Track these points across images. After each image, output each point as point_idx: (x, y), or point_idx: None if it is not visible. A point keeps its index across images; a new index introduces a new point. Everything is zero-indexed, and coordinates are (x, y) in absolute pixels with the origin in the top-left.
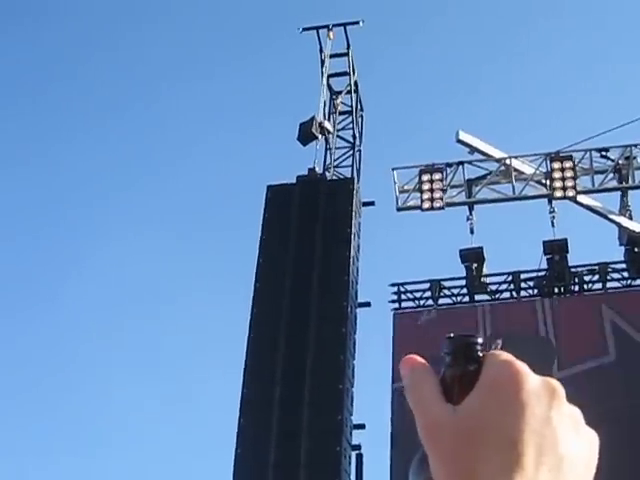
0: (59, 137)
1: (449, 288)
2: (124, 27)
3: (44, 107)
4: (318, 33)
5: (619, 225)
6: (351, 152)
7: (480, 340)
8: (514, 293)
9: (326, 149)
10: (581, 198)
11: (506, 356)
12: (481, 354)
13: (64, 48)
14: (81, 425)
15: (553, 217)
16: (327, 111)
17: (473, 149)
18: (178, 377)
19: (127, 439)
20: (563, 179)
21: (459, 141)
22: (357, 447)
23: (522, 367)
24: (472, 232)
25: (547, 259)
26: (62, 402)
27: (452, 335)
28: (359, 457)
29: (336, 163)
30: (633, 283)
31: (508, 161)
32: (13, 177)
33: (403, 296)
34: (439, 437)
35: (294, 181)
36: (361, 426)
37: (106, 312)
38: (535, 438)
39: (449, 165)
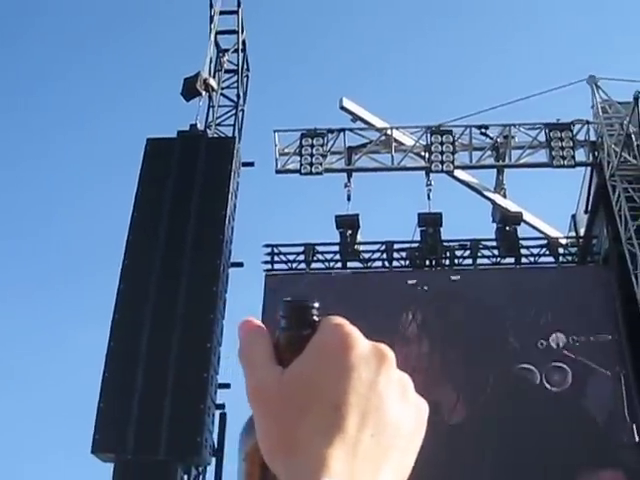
0: None
1: (322, 253)
2: None
3: None
4: None
5: (493, 202)
6: (234, 111)
7: (316, 305)
8: (386, 262)
9: (209, 106)
10: (458, 173)
11: (339, 320)
12: (317, 319)
13: None
14: None
15: (430, 190)
16: (213, 68)
17: (356, 117)
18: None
19: None
20: (442, 153)
21: (342, 108)
22: (221, 406)
23: (353, 331)
24: (349, 199)
25: (421, 231)
26: None
27: (288, 299)
28: (223, 416)
29: (218, 121)
30: (502, 261)
31: (389, 131)
32: None
33: (276, 258)
34: (264, 399)
35: (175, 136)
36: (226, 385)
37: None
38: (360, 402)
39: (331, 131)
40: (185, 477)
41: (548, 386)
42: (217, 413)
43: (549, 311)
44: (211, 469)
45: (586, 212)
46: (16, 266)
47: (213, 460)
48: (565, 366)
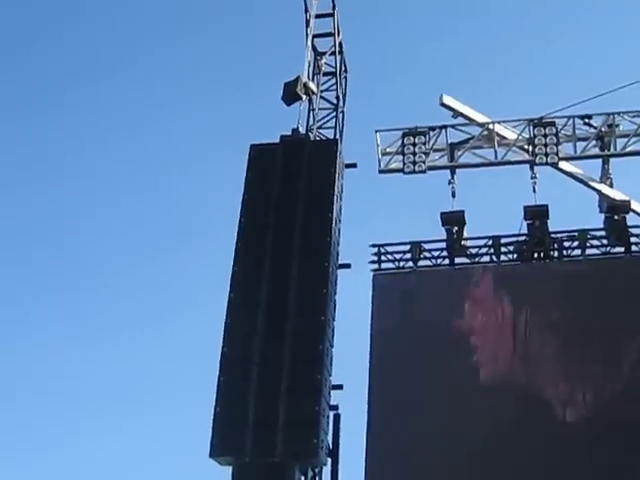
0: None
1: (429, 250)
2: None
3: None
4: None
5: (600, 193)
6: (334, 113)
7: None
8: (494, 257)
9: (309, 110)
10: (563, 165)
11: None
12: None
13: None
14: None
15: (534, 183)
16: (311, 72)
17: (456, 113)
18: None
19: None
20: (545, 145)
21: (443, 105)
22: (335, 407)
23: None
24: (454, 196)
25: (527, 224)
26: None
27: None
28: (337, 417)
29: (319, 124)
30: (612, 250)
31: (491, 126)
32: None
33: (383, 257)
34: None
35: (277, 141)
36: (339, 387)
37: None
38: None
39: (432, 129)
40: (302, 478)
41: None
42: (331, 414)
43: None
44: (327, 470)
45: None
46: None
47: (329, 461)
48: None
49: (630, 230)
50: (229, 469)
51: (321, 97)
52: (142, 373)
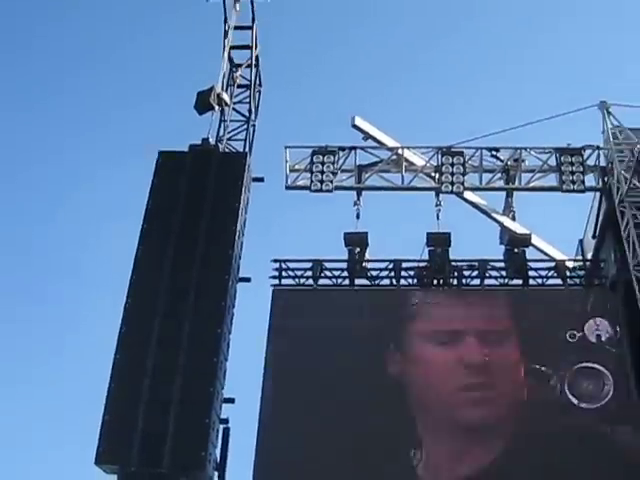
0: None
1: (330, 269)
2: None
3: None
4: (224, 4)
5: (502, 225)
6: (245, 126)
7: None
8: (394, 280)
9: (221, 121)
10: (468, 194)
11: None
12: None
13: None
14: None
15: (439, 210)
16: (226, 83)
17: (367, 135)
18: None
19: None
20: (452, 174)
21: (354, 126)
22: (225, 421)
23: None
24: (358, 217)
25: (429, 251)
26: None
27: None
28: (226, 430)
29: (229, 136)
30: (510, 282)
31: (400, 151)
32: None
33: (284, 273)
34: None
35: (187, 149)
36: (231, 400)
37: None
38: None
39: (342, 149)
40: None
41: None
42: (221, 427)
43: None
44: None
45: (594, 237)
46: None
47: (216, 474)
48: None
49: (529, 263)
50: (114, 478)
51: (233, 109)
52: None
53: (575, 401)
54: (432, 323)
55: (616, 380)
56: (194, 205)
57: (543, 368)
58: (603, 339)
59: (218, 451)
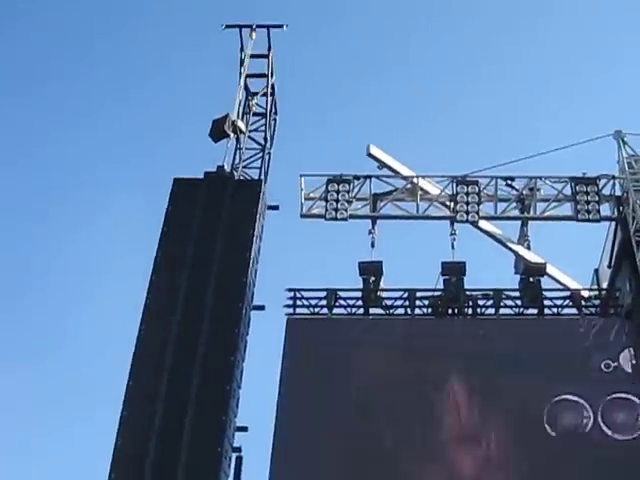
0: None
1: (345, 299)
2: None
3: None
4: (241, 32)
5: (516, 254)
6: (261, 154)
7: None
8: (408, 310)
9: (236, 148)
10: (483, 224)
11: None
12: None
13: None
14: None
15: (454, 239)
16: (241, 111)
17: (382, 164)
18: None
19: None
20: (467, 203)
21: (369, 155)
22: (238, 449)
23: None
24: (373, 246)
25: (444, 280)
26: None
27: None
28: (239, 460)
29: (245, 164)
30: (525, 312)
31: (415, 180)
32: None
33: (298, 302)
34: None
35: (202, 177)
36: (244, 429)
37: None
38: None
39: (357, 177)
40: None
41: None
42: (234, 456)
43: None
44: None
45: (609, 267)
46: None
47: None
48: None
49: (544, 293)
50: None
51: (249, 137)
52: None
53: (609, 432)
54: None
55: None
56: (208, 232)
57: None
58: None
59: None
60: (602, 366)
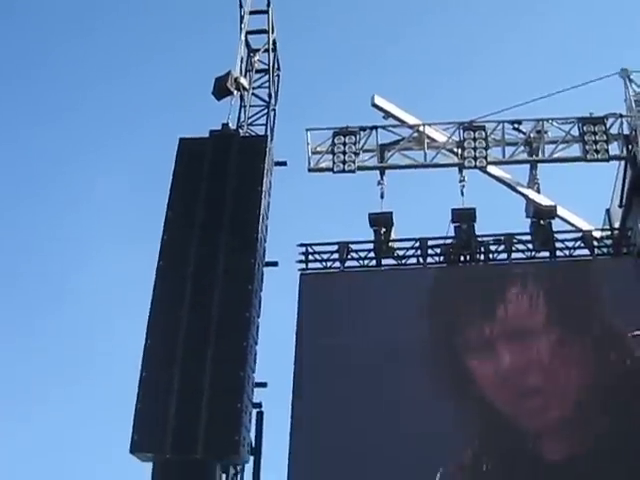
0: None
1: (357, 251)
2: None
3: None
4: None
5: (527, 198)
6: (265, 111)
7: None
8: (420, 259)
9: (241, 106)
10: (491, 169)
11: None
12: None
13: None
14: None
15: (463, 186)
16: (244, 68)
17: (387, 114)
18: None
19: None
20: (474, 149)
21: (374, 105)
22: (258, 405)
23: None
24: (382, 197)
25: (455, 227)
26: None
27: None
28: (260, 415)
29: (250, 121)
30: (537, 255)
31: (421, 128)
32: None
33: (310, 257)
34: None
35: (207, 136)
36: (263, 384)
37: None
38: None
39: (363, 129)
40: (223, 476)
41: None
42: (254, 412)
43: None
44: (249, 467)
45: (620, 206)
46: None
47: (251, 458)
48: None
49: (555, 235)
50: (150, 465)
51: (253, 94)
52: (60, 366)
53: None
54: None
55: None
56: (217, 190)
57: None
58: None
59: (253, 435)
60: None
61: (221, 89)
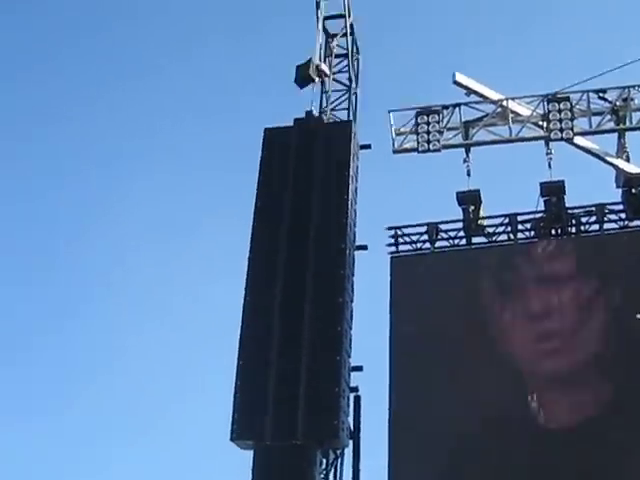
0: None
1: (446, 231)
2: None
3: None
4: None
5: (616, 167)
6: (347, 95)
7: None
8: (511, 235)
9: (322, 92)
10: (578, 140)
11: None
12: None
13: None
14: None
15: (550, 159)
16: (323, 54)
17: (470, 91)
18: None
19: None
20: (560, 120)
21: (456, 83)
22: (355, 389)
23: None
24: (469, 174)
25: (544, 201)
26: None
27: None
28: (357, 399)
29: (332, 106)
30: (630, 224)
31: (505, 103)
32: None
33: (400, 239)
34: None
35: (292, 124)
36: (359, 368)
37: None
38: None
39: (445, 107)
40: (324, 461)
41: None
42: (352, 396)
43: None
44: (349, 451)
45: None
46: None
47: (350, 442)
48: None
49: None
50: (251, 453)
51: (333, 79)
52: (162, 360)
53: None
54: None
55: None
56: (304, 177)
57: None
58: None
59: (351, 419)
60: None
61: (303, 77)
